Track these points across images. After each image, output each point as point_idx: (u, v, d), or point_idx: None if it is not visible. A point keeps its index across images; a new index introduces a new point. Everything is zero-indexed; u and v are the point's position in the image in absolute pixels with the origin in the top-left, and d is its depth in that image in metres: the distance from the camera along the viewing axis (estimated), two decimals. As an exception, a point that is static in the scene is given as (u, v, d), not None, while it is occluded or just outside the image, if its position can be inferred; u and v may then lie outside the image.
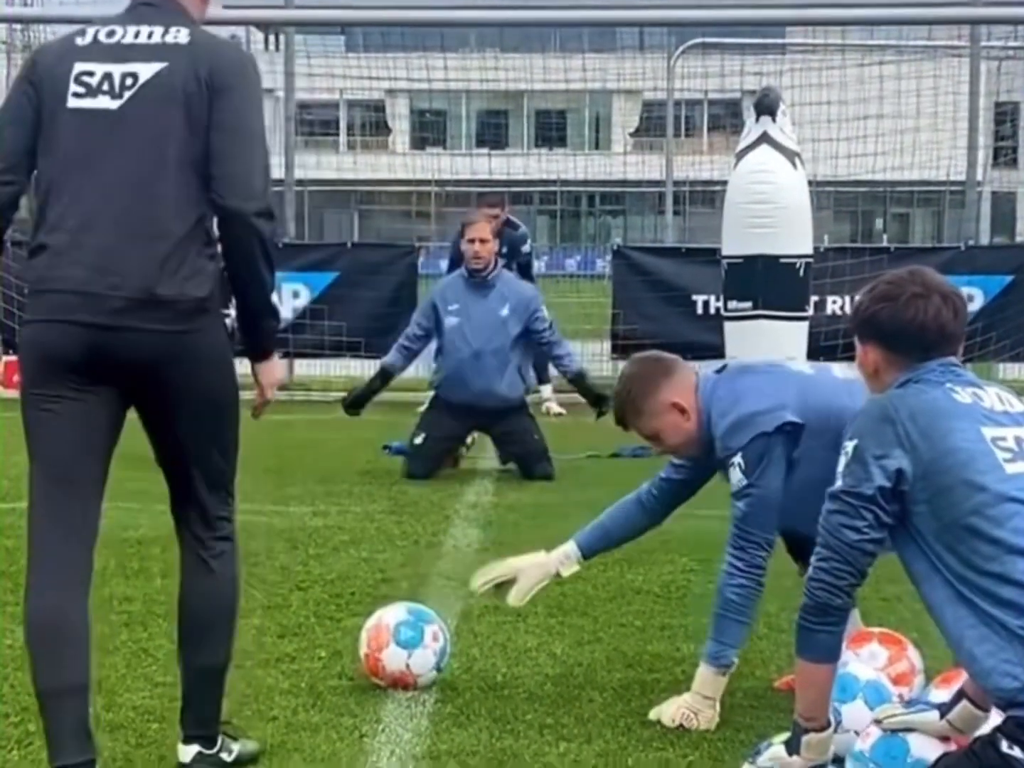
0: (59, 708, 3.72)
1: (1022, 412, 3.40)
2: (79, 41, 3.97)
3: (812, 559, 3.37)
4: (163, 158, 3.80)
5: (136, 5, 4.05)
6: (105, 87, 3.89)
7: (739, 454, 4.46)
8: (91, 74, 3.90)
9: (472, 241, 9.36)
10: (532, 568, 4.85)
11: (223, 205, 3.79)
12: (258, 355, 4.00)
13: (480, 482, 9.34)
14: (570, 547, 4.88)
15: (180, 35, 3.92)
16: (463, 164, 26.89)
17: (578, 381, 9.62)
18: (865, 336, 3.55)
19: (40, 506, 3.80)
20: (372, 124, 40.59)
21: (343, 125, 38.47)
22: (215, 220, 3.84)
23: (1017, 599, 3.17)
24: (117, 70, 3.89)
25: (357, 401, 9.69)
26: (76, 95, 3.89)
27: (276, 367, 4.10)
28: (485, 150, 32.69)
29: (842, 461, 3.36)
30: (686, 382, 4.64)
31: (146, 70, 3.88)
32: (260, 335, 3.99)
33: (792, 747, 3.41)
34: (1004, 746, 3.10)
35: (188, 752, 3.99)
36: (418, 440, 9.45)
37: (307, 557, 6.91)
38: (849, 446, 3.35)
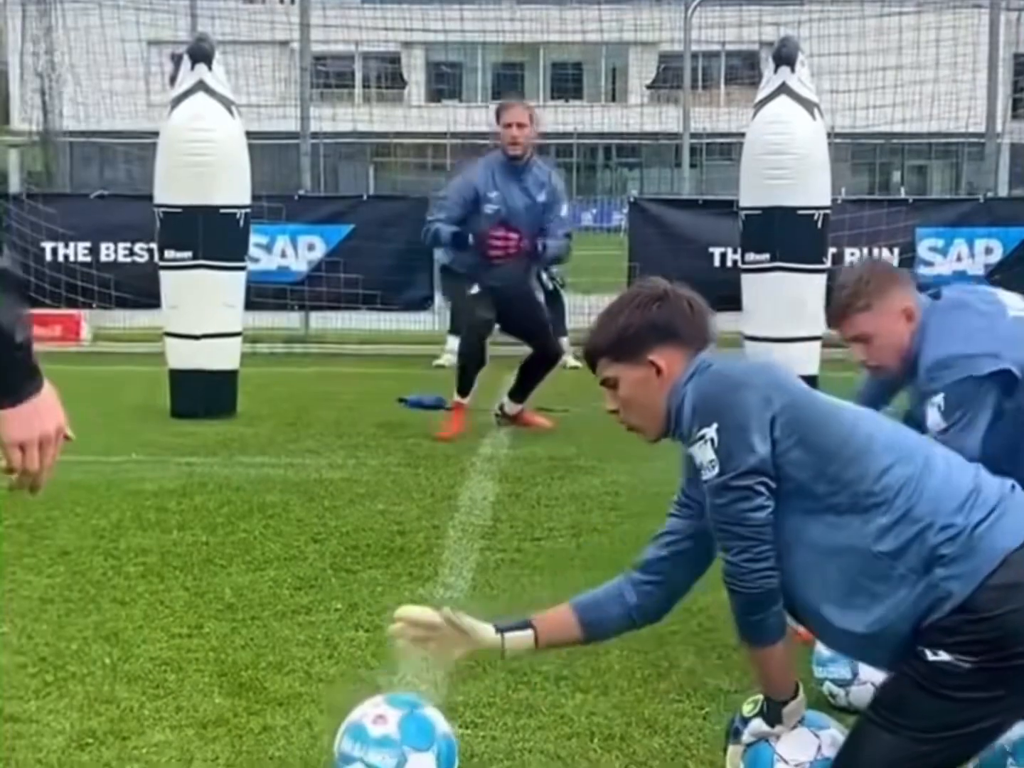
0: None
1: None
2: None
3: (726, 556, 3.26)
4: None
5: None
6: None
7: (941, 394, 4.25)
8: None
9: (509, 126, 9.03)
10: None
11: None
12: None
13: (496, 435, 9.33)
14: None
15: None
16: (479, 116, 26.73)
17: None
18: (649, 345, 3.38)
19: None
20: (388, 76, 40.39)
21: (358, 77, 38.28)
22: None
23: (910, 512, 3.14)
24: None
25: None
26: None
27: (28, 415, 2.62)
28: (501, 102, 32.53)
29: (707, 452, 3.21)
30: (913, 295, 4.42)
31: None
32: None
33: (772, 719, 3.39)
34: (929, 655, 3.10)
35: None
36: (474, 291, 9.10)
37: (323, 509, 6.92)
38: (709, 433, 3.20)
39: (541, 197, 9.09)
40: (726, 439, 3.19)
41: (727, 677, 4.54)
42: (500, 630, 3.49)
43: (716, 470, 3.20)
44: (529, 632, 3.50)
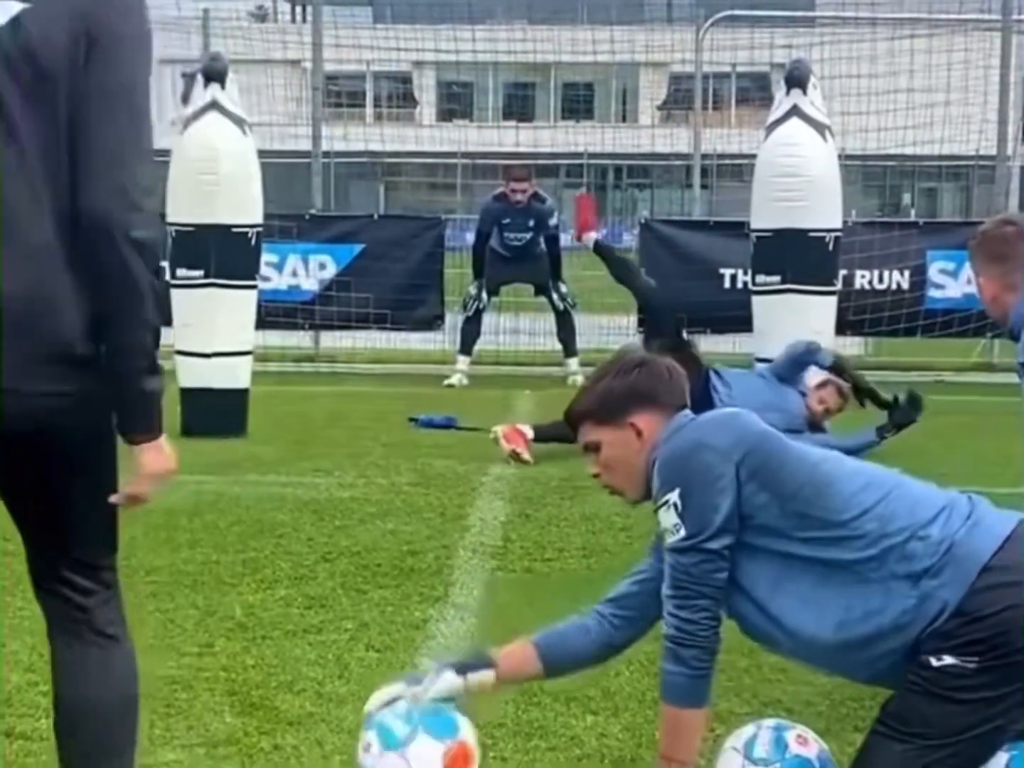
0: None
1: None
2: None
3: (680, 613, 3.32)
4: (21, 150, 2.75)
5: None
6: None
7: None
8: None
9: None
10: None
11: (85, 207, 2.71)
12: (138, 432, 2.85)
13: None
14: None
15: None
16: (490, 136, 26.84)
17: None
18: (630, 409, 3.48)
19: None
20: (399, 96, 40.49)
21: (370, 97, 38.39)
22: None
23: (882, 536, 3.22)
24: None
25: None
26: None
27: (166, 451, 2.88)
28: (512, 122, 32.54)
29: (671, 517, 3.29)
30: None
31: None
32: (141, 400, 2.82)
33: None
34: (934, 661, 3.15)
35: None
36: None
37: (333, 529, 6.92)
38: (672, 498, 3.29)
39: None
40: (690, 503, 3.29)
41: (737, 699, 4.54)
42: (463, 672, 3.50)
43: (682, 533, 3.29)
44: (491, 672, 3.53)
